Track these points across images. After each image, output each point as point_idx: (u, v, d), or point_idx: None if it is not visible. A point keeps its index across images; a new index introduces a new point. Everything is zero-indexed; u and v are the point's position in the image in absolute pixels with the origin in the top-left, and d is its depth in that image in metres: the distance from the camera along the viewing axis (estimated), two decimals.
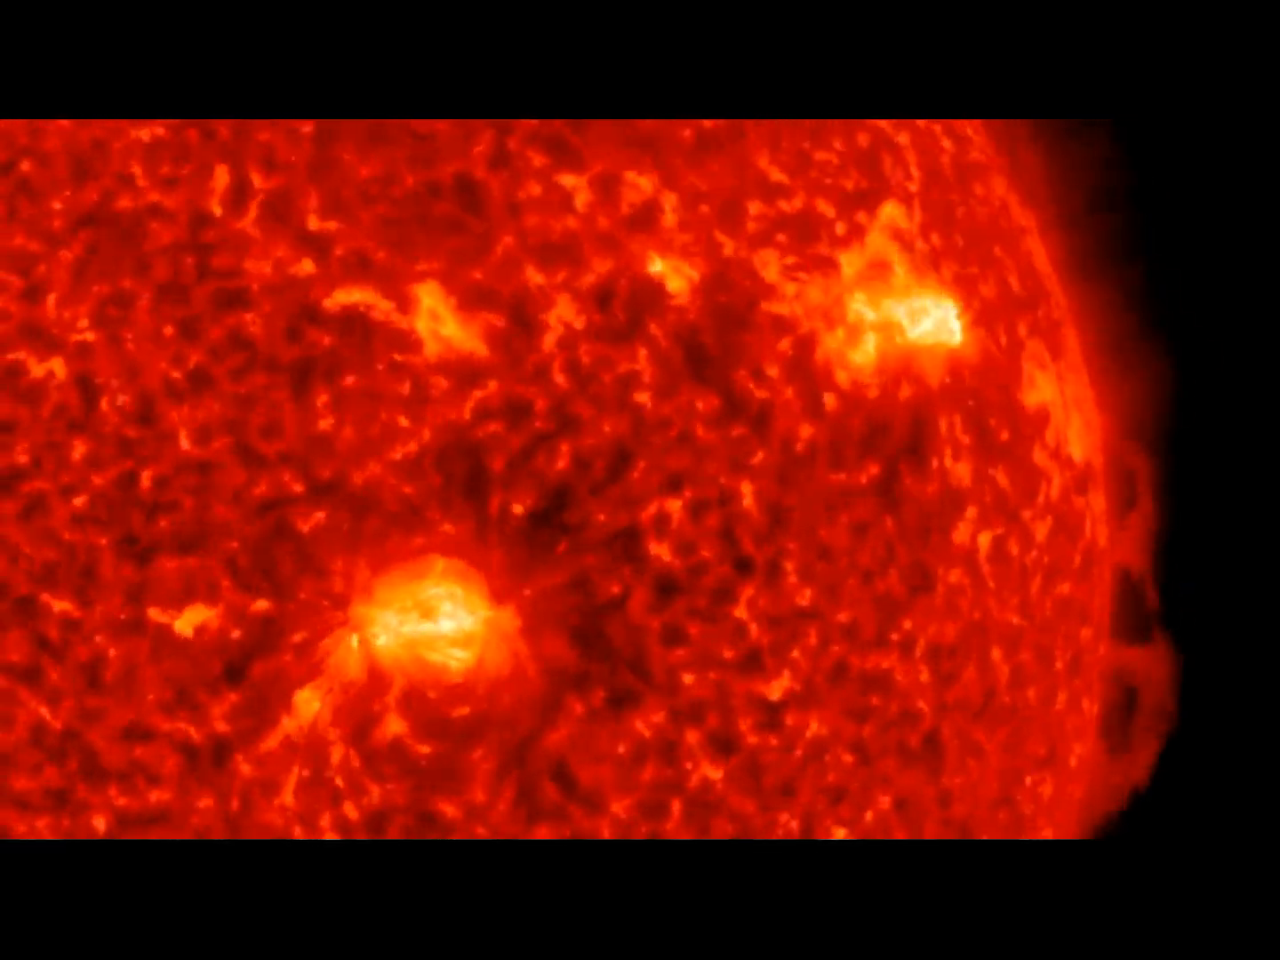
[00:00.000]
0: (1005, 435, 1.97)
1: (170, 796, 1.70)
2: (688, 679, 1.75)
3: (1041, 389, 2.11)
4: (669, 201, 1.83)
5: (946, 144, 2.14)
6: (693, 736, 1.76)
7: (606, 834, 1.74)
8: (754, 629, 1.77)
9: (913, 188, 2.01)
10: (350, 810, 1.71)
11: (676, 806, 1.77)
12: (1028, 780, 2.03)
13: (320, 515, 1.70)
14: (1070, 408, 2.18)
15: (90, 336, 1.69)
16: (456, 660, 1.72)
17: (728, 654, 1.77)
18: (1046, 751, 2.06)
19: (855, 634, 1.81)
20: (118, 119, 1.77)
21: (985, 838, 2.00)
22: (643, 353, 1.78)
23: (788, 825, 1.81)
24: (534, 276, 1.77)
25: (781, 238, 1.88)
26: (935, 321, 1.94)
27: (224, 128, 1.76)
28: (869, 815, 1.86)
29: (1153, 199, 2.38)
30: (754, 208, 1.89)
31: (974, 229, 2.05)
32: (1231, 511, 2.28)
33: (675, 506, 1.77)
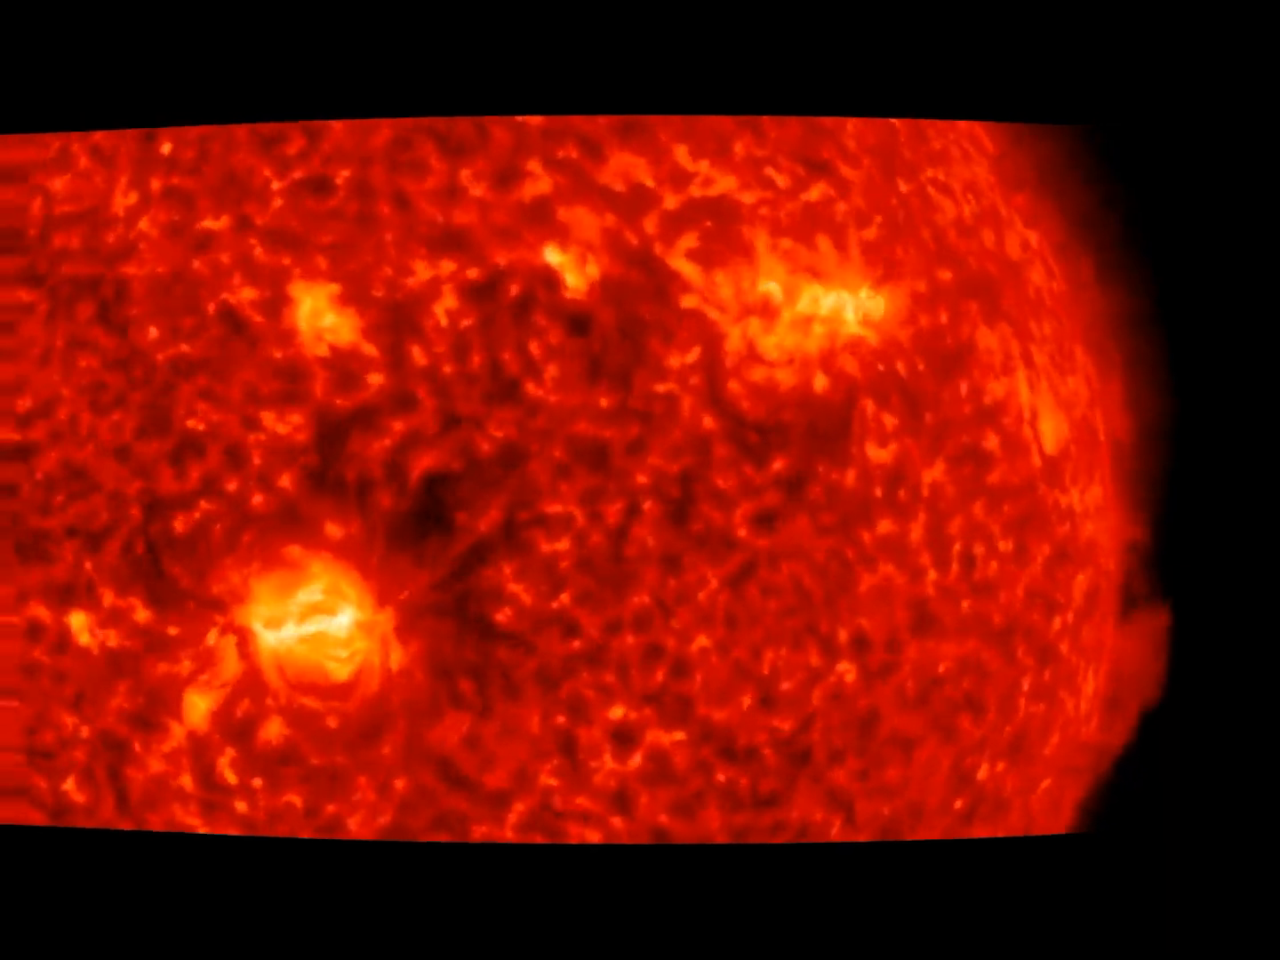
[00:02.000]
0: (934, 421, 1.89)
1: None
2: (581, 674, 1.71)
3: (999, 378, 2.03)
4: (568, 193, 1.78)
5: (899, 127, 2.07)
6: (588, 732, 1.72)
7: (509, 835, 1.71)
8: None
9: (849, 173, 1.94)
10: (241, 809, 1.70)
11: (581, 802, 1.73)
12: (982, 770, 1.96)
13: (197, 516, 1.69)
14: (1045, 396, 2.09)
15: None
16: (339, 661, 1.70)
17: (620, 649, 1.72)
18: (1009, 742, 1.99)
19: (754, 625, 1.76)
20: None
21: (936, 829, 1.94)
22: (534, 346, 1.74)
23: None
24: (421, 270, 1.74)
25: (692, 226, 1.82)
26: (856, 308, 1.86)
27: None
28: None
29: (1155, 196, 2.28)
30: (668, 198, 1.83)
31: (912, 217, 1.97)
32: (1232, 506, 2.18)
33: (565, 505, 1.72)
